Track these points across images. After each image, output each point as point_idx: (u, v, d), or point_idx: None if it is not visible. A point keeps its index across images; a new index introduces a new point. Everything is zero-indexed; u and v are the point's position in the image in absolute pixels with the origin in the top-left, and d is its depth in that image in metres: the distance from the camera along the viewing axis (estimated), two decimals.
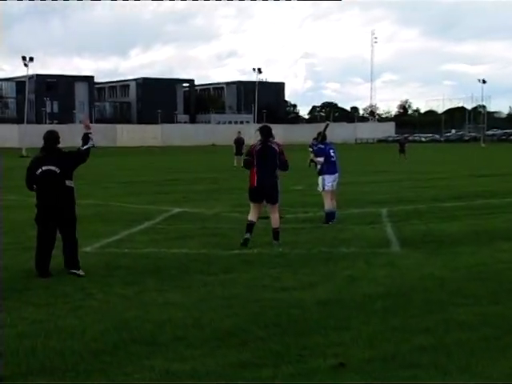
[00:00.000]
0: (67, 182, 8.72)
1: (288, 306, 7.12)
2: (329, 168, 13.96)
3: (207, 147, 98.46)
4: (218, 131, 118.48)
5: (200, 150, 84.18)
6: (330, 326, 6.43)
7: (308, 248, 10.78)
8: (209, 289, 8.00)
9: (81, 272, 8.57)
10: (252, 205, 11.13)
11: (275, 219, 11.12)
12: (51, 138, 8.84)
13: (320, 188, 13.97)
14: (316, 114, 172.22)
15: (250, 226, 11.06)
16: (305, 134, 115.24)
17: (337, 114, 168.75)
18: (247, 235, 10.98)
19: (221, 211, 15.95)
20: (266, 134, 11.09)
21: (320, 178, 13.98)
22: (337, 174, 14.17)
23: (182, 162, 48.76)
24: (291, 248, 10.77)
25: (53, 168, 8.66)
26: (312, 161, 14.64)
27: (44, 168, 8.67)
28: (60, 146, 8.92)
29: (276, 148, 11.17)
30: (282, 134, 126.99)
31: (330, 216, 13.73)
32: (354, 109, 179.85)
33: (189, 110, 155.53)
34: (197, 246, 11.03)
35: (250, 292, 7.80)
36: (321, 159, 13.93)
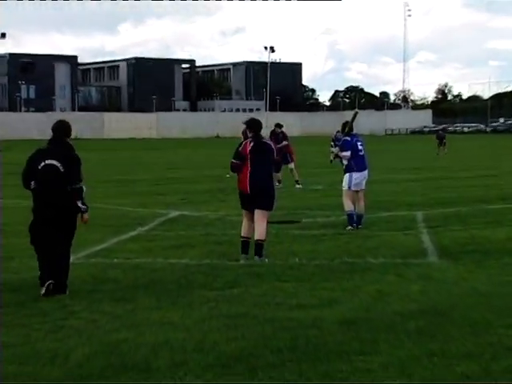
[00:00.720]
0: (69, 187, 8.63)
1: (305, 327, 7.13)
2: (357, 163, 13.93)
3: (211, 139, 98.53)
4: (223, 120, 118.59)
5: (202, 142, 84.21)
6: (354, 350, 6.43)
7: (329, 258, 10.78)
8: (212, 306, 8.02)
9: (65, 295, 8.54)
10: (244, 213, 10.92)
11: (262, 229, 10.73)
12: (58, 128, 8.82)
13: (345, 186, 13.94)
14: (339, 100, 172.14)
15: (246, 245, 10.79)
16: (325, 124, 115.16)
17: (363, 101, 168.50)
18: (243, 258, 10.68)
19: (226, 214, 15.96)
20: (258, 127, 10.91)
21: (347, 175, 13.94)
22: (366, 171, 14.14)
23: (180, 156, 48.82)
24: (309, 258, 10.77)
25: (55, 163, 8.62)
26: (336, 156, 14.53)
27: (47, 162, 8.64)
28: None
29: (271, 145, 11.10)
30: (298, 123, 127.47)
31: (351, 218, 13.73)
32: (384, 94, 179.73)
33: (189, 96, 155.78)
34: (198, 256, 11.05)
35: (261, 310, 7.81)
36: (347, 153, 13.91)
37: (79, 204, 8.60)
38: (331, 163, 15.13)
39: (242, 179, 10.78)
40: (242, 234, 10.85)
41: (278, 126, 24.85)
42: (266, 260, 10.62)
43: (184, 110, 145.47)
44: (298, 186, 23.70)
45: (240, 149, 10.84)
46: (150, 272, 9.88)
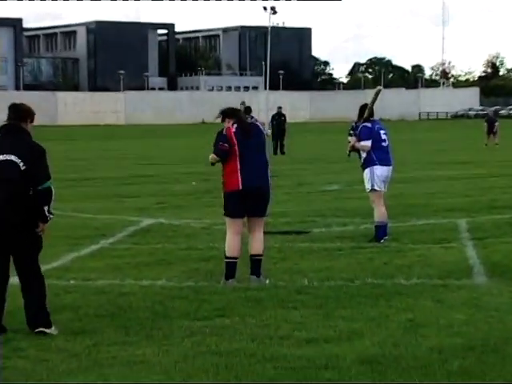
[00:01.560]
0: (32, 190, 8.48)
1: (317, 367, 7.12)
2: (381, 156, 13.86)
3: (194, 126, 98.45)
4: (210, 102, 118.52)
5: (183, 130, 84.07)
6: None
7: (347, 279, 10.78)
8: (197, 340, 8.02)
9: (53, 330, 8.48)
10: (231, 223, 10.72)
11: (259, 241, 10.71)
12: (13, 112, 8.64)
13: (368, 186, 13.90)
14: (359, 75, 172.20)
15: (233, 267, 10.65)
16: (342, 106, 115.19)
17: (391, 76, 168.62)
18: (230, 284, 10.55)
19: (214, 223, 15.93)
20: (237, 112, 10.90)
21: (367, 171, 13.88)
22: (391, 168, 14.09)
23: (156, 148, 48.77)
24: (321, 279, 10.77)
25: (14, 159, 8.43)
26: (353, 148, 14.43)
27: (2, 157, 8.38)
28: None
29: (260, 126, 11.09)
30: (307, 106, 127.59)
31: (383, 230, 13.70)
32: (417, 68, 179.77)
33: (166, 71, 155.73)
34: (179, 276, 11.05)
35: (260, 346, 7.81)
36: (367, 143, 13.87)
37: (46, 211, 8.46)
38: (349, 157, 15.02)
39: (229, 173, 10.64)
40: (229, 254, 10.67)
41: (247, 111, 24.76)
42: (267, 281, 10.62)
43: (160, 89, 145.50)
44: None
45: (225, 132, 10.69)
46: (116, 297, 9.87)
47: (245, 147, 10.57)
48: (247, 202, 10.59)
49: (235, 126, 10.65)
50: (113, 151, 45.45)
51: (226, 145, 10.57)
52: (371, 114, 14.10)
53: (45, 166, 8.48)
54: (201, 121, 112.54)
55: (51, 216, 8.49)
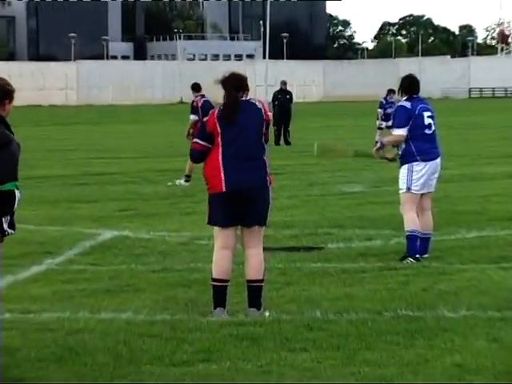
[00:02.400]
0: None
1: None
2: (422, 148, 13.75)
3: (170, 107, 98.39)
4: (190, 75, 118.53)
5: (156, 111, 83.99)
6: None
7: (373, 310, 10.81)
8: None
9: None
10: (218, 234, 10.72)
11: (259, 262, 10.72)
12: None
13: (402, 187, 13.86)
14: (389, 39, 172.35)
15: (221, 292, 10.67)
16: (366, 80, 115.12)
17: (431, 41, 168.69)
18: (220, 312, 10.61)
19: (196, 237, 15.95)
20: (234, 83, 10.62)
21: (404, 167, 13.81)
22: (438, 161, 14.02)
23: (119, 137, 48.75)
24: (339, 310, 10.80)
25: None
26: (381, 146, 14.44)
27: None
28: None
29: (260, 107, 10.71)
30: (320, 79, 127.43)
31: (414, 243, 13.70)
32: (467, 30, 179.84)
33: (133, 34, 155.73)
34: (150, 307, 11.07)
35: None
36: (400, 132, 13.84)
37: (3, 224, 8.40)
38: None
39: (211, 171, 10.61)
40: (216, 276, 10.71)
41: (196, 88, 24.76)
42: (267, 314, 10.63)
43: (124, 58, 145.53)
44: (180, 181, 23.99)
45: (206, 120, 10.78)
46: (66, 335, 9.88)
47: (231, 134, 10.51)
48: (236, 206, 10.55)
49: (221, 107, 10.58)
50: (61, 141, 45.43)
51: (202, 142, 10.60)
52: (413, 88, 14.00)
53: (4, 163, 8.42)
54: (179, 100, 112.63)
55: (11, 231, 8.33)
